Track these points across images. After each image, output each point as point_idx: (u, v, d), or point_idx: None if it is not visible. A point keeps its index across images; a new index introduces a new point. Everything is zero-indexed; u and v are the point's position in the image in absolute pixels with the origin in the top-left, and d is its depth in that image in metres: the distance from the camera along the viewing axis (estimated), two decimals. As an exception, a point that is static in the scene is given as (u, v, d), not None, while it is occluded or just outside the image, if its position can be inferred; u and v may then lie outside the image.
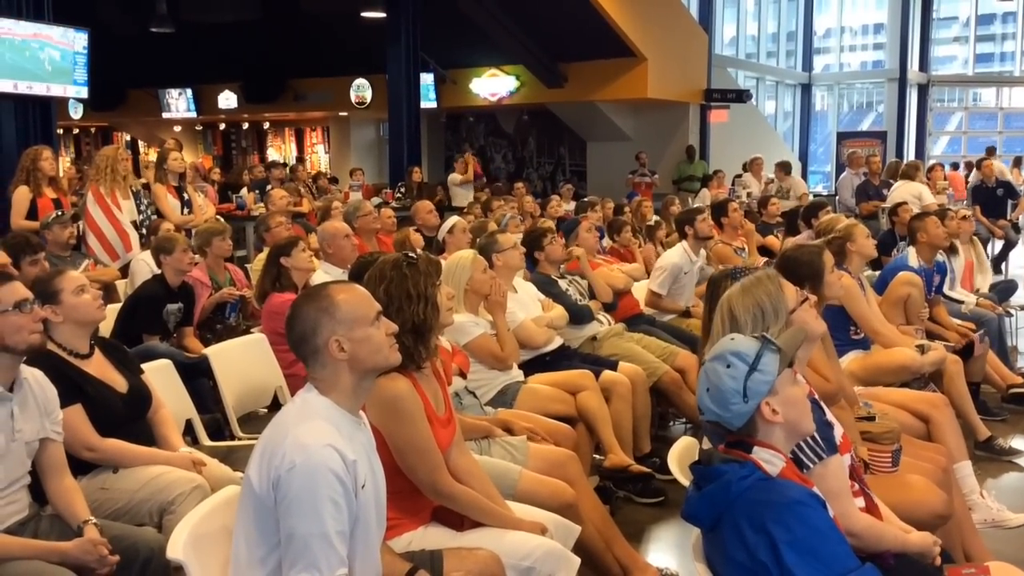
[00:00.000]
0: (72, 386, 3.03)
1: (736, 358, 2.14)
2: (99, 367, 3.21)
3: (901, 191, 9.77)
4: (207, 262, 5.47)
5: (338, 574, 2.03)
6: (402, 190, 12.97)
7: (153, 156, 15.00)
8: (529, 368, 4.52)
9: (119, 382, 3.23)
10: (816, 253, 3.61)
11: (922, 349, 4.71)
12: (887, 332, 4.74)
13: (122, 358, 3.37)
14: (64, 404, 2.90)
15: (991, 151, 16.28)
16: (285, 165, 14.39)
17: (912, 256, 5.74)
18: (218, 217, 8.09)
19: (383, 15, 13.50)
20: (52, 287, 3.14)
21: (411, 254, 2.92)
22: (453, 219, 6.18)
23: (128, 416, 3.22)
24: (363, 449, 2.19)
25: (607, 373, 4.50)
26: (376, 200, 11.55)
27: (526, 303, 4.78)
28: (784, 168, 12.71)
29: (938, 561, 2.51)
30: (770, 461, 2.12)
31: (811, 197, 12.07)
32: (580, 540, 3.01)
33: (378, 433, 2.54)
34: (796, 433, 2.22)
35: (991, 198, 11.44)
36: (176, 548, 2.16)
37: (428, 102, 16.22)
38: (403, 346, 2.59)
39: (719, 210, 7.36)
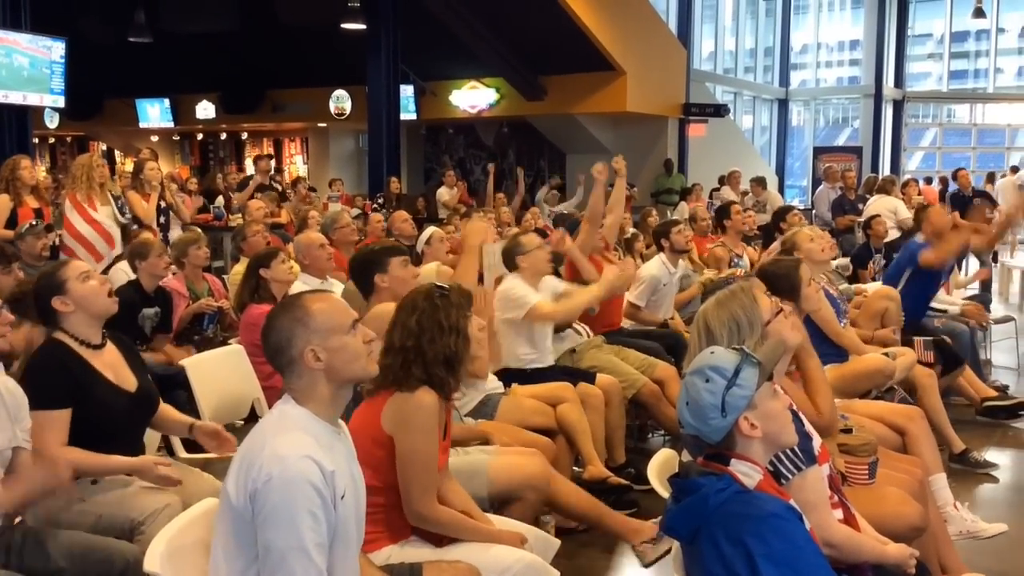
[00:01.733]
0: (76, 387, 2.94)
1: (715, 372, 2.14)
2: (111, 361, 3.12)
3: (877, 205, 9.86)
4: (185, 272, 5.44)
5: None
6: (380, 201, 12.95)
7: (130, 166, 14.87)
8: (508, 380, 4.53)
9: (129, 381, 3.13)
10: (793, 267, 3.64)
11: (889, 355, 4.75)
12: (849, 337, 4.77)
13: (133, 356, 3.26)
14: (54, 405, 2.84)
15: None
16: (271, 157, 14.21)
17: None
18: (193, 227, 8.08)
19: (363, 27, 13.51)
20: (58, 278, 3.08)
21: (443, 285, 2.94)
22: (430, 229, 6.16)
23: (133, 421, 3.14)
24: (342, 459, 2.18)
25: (581, 385, 4.51)
26: (355, 211, 11.54)
27: (545, 297, 4.77)
28: (760, 182, 12.81)
29: (913, 571, 2.53)
30: (747, 474, 2.13)
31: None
32: (573, 513, 3.02)
33: (362, 443, 2.55)
34: (776, 445, 2.23)
35: (967, 208, 11.49)
36: (153, 561, 2.14)
37: (408, 114, 16.21)
38: (436, 377, 2.69)
39: (723, 213, 7.37)
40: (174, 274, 5.34)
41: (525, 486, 3.17)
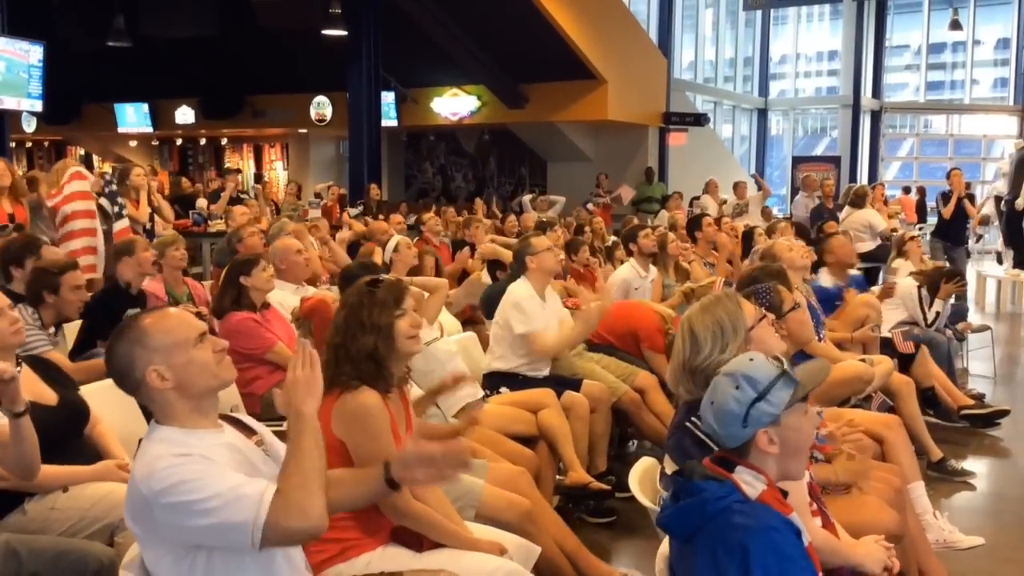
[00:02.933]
0: None
1: (747, 382, 2.09)
2: (25, 382, 3.09)
3: (851, 220, 9.89)
4: (163, 275, 5.38)
5: (260, 488, 1.95)
6: (360, 208, 12.90)
7: (107, 171, 14.73)
8: (498, 382, 4.58)
9: (48, 396, 3.12)
10: (777, 273, 3.68)
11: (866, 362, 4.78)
12: (822, 346, 4.80)
13: (52, 373, 3.26)
14: None
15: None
16: (239, 171, 14.18)
17: (824, 276, 5.84)
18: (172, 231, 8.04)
19: (344, 33, 13.48)
20: None
21: (378, 279, 2.90)
22: (396, 238, 6.10)
23: (62, 433, 3.11)
24: (230, 450, 2.09)
25: (567, 393, 4.51)
26: (355, 210, 11.60)
27: (548, 318, 4.78)
28: (741, 187, 12.89)
29: (896, 566, 2.53)
30: (750, 483, 2.10)
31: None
32: (542, 555, 3.01)
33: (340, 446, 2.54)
34: (786, 473, 2.17)
35: (955, 217, 11.34)
36: (130, 569, 2.11)
37: (389, 120, 16.19)
38: (365, 373, 2.65)
39: (694, 225, 7.43)
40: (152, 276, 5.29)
41: (512, 523, 3.11)
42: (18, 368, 3.10)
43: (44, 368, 3.27)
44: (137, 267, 4.93)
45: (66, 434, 3.14)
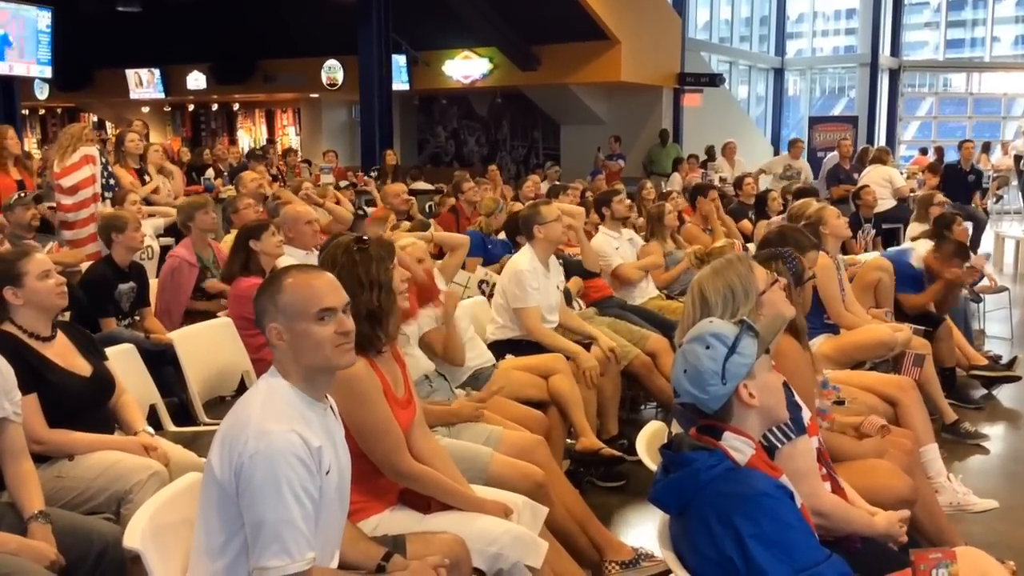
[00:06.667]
0: (30, 372, 2.94)
1: (716, 340, 2.12)
2: (61, 351, 3.13)
3: (872, 175, 9.86)
4: (191, 238, 5.32)
5: (308, 557, 2.01)
6: (373, 173, 12.86)
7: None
8: (502, 350, 4.52)
9: (82, 367, 3.16)
10: (800, 232, 3.66)
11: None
12: (850, 317, 4.76)
13: (86, 343, 3.29)
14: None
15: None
16: (264, 156, 14.09)
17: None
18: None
19: (354, -5, 13.37)
20: (17, 269, 3.07)
21: (363, 237, 2.85)
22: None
23: (90, 402, 3.15)
24: (329, 435, 2.16)
25: (575, 358, 4.48)
26: (344, 183, 11.52)
27: (549, 287, 4.75)
28: (797, 147, 12.50)
29: (904, 539, 2.52)
30: (739, 449, 2.10)
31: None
32: (553, 522, 3.00)
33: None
34: (770, 419, 2.21)
35: (962, 181, 11.47)
36: (134, 537, 2.10)
37: (400, 84, 16.08)
38: (361, 333, 2.53)
39: (698, 191, 7.40)
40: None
41: (523, 493, 3.10)
42: (53, 336, 3.12)
43: (79, 337, 3.28)
44: (126, 244, 4.89)
45: (94, 404, 3.17)
